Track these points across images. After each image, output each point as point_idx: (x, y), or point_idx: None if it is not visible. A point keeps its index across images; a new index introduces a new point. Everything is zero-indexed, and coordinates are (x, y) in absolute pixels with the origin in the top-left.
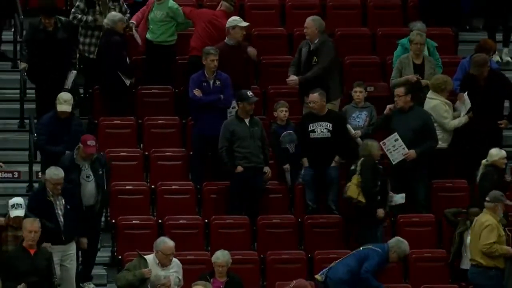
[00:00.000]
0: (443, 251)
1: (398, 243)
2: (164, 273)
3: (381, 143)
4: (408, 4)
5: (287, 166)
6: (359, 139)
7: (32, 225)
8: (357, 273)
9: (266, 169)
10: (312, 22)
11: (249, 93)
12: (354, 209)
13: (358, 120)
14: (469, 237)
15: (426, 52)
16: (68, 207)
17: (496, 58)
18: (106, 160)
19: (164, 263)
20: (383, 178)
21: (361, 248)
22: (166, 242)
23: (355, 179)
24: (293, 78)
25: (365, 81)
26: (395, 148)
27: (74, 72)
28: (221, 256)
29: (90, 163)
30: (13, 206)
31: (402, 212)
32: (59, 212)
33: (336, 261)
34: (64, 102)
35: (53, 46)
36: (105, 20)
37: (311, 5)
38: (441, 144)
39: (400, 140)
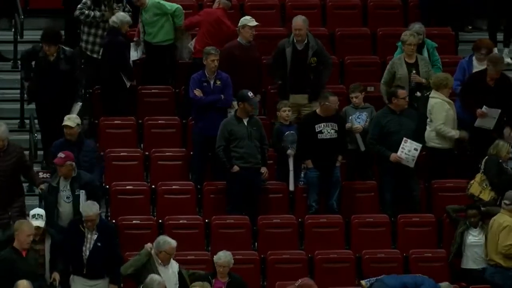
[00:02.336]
0: (443, 251)
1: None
2: (160, 279)
3: (404, 138)
4: (408, 4)
5: (290, 151)
6: (358, 135)
7: (31, 229)
8: None
9: (263, 169)
10: (303, 23)
11: (250, 93)
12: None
13: (358, 121)
14: (470, 237)
15: (425, 53)
16: (99, 244)
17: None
18: (90, 180)
19: (166, 262)
20: (509, 176)
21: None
22: (170, 243)
23: (478, 177)
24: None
25: (365, 81)
26: (408, 154)
27: (80, 104)
28: (223, 256)
29: (69, 183)
30: (33, 216)
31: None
32: (88, 245)
33: (384, 275)
34: (68, 119)
35: (54, 77)
36: (113, 18)
37: (312, 5)
38: (443, 145)
39: (418, 152)
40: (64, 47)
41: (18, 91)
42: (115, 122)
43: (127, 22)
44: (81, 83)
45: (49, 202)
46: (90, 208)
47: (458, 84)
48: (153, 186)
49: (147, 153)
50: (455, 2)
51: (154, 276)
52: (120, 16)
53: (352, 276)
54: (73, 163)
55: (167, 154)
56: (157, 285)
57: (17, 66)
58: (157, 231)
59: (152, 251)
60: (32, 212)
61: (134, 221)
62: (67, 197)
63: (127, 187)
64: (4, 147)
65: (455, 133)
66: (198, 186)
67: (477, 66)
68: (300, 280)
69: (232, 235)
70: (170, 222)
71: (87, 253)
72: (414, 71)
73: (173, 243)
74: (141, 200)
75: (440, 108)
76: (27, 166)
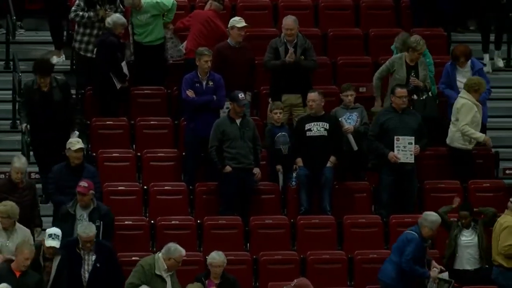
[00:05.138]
0: (436, 251)
1: (425, 216)
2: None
3: (395, 137)
4: (400, 5)
5: (279, 167)
6: (350, 135)
7: (31, 253)
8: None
9: (256, 170)
10: (294, 23)
11: (241, 95)
12: None
13: (349, 121)
14: (462, 238)
15: None
16: (98, 265)
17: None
18: (107, 211)
19: (171, 270)
20: None
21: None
22: (181, 251)
23: None
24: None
25: (357, 82)
26: (405, 150)
27: (77, 133)
28: (217, 256)
29: (88, 213)
30: (50, 236)
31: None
32: (86, 267)
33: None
34: (77, 142)
35: (48, 107)
36: (108, 19)
37: (304, 6)
38: (466, 146)
39: (413, 145)
40: (56, 77)
41: (10, 91)
42: (107, 122)
43: (121, 24)
44: (77, 111)
45: (64, 229)
46: (89, 228)
47: (444, 87)
48: (145, 187)
49: (139, 153)
50: (447, 4)
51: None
52: (115, 18)
53: (344, 276)
54: (94, 193)
55: (159, 154)
56: None
57: (9, 67)
58: (149, 231)
59: (159, 255)
60: (49, 231)
61: (126, 222)
62: None
63: (119, 187)
64: (23, 182)
65: (479, 135)
66: (190, 187)
67: (460, 70)
68: (296, 280)
69: (224, 235)
70: (162, 222)
71: (86, 276)
72: (413, 74)
73: (183, 252)
74: (133, 200)
75: (468, 109)
76: (36, 203)
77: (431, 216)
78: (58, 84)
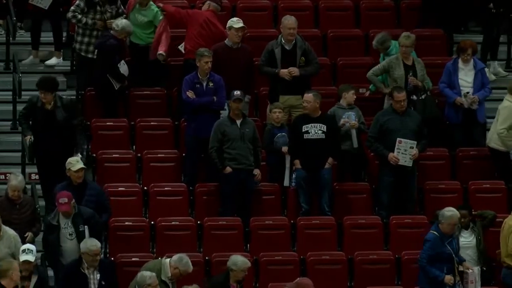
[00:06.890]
0: None
1: (442, 213)
2: (150, 273)
3: (398, 139)
4: (400, 5)
5: (285, 148)
6: (353, 131)
7: (19, 265)
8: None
9: (256, 171)
10: (295, 23)
11: (236, 92)
12: None
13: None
14: (461, 239)
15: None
16: (103, 283)
17: (491, 77)
18: (91, 214)
19: (173, 279)
20: None
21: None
22: (190, 267)
23: None
24: (294, 69)
25: (357, 82)
26: (405, 153)
27: (79, 155)
28: (248, 261)
29: (71, 219)
30: (23, 251)
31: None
32: (92, 286)
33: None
34: (77, 162)
35: (51, 125)
36: (118, 23)
37: (304, 7)
38: (504, 148)
39: (414, 150)
40: (61, 96)
41: (10, 92)
42: (107, 123)
43: (128, 32)
44: (82, 133)
45: (51, 241)
46: (95, 242)
47: (445, 86)
48: (145, 188)
49: (139, 154)
50: (451, 5)
51: (144, 273)
52: (124, 24)
53: (344, 277)
54: (74, 201)
55: (159, 155)
56: (149, 279)
57: (9, 68)
58: (149, 232)
59: (165, 260)
60: (22, 247)
61: (126, 223)
62: (70, 234)
63: (119, 188)
64: (20, 198)
65: None
66: (191, 188)
67: (462, 68)
68: (298, 279)
69: (225, 236)
70: (162, 223)
71: None
72: (411, 74)
73: (191, 269)
74: (133, 201)
75: (508, 113)
76: (37, 218)
77: (447, 211)
78: (63, 104)
